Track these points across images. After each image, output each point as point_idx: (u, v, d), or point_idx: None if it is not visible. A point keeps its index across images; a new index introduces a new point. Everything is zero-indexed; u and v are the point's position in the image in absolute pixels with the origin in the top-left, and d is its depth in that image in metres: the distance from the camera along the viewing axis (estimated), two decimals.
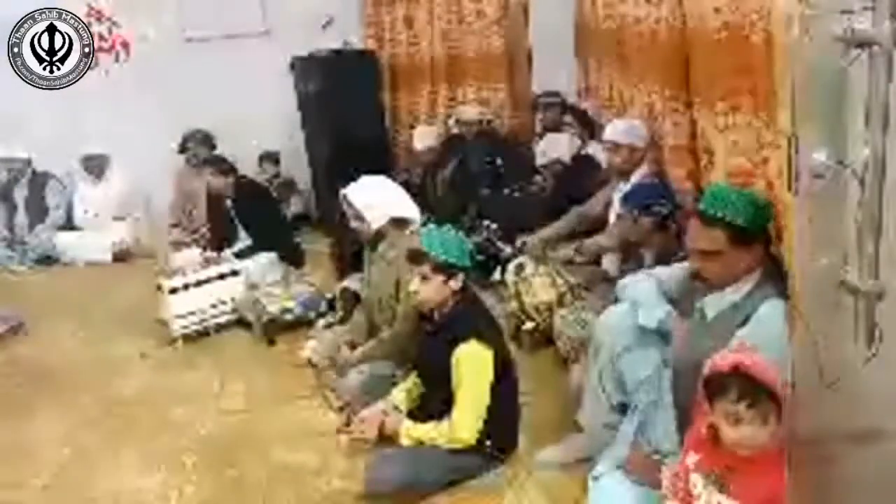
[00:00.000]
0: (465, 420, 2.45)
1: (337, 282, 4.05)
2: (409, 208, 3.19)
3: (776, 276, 2.02)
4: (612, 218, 3.55)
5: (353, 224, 3.22)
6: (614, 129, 3.53)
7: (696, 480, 1.76)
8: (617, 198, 3.48)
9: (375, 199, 3.16)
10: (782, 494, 1.65)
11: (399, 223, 3.14)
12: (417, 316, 2.72)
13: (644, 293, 2.39)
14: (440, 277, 2.49)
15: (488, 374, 2.45)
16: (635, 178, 3.43)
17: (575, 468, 2.50)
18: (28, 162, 5.60)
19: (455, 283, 2.51)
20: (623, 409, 2.41)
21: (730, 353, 1.73)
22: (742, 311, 2.03)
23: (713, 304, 2.11)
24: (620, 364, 2.38)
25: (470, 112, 5.13)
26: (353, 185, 3.23)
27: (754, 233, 2.03)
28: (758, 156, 2.54)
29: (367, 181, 3.26)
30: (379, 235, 3.16)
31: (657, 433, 2.21)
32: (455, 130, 5.25)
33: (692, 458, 1.79)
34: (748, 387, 1.64)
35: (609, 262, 3.52)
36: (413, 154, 5.28)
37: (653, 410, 2.25)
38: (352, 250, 4.53)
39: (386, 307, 3.12)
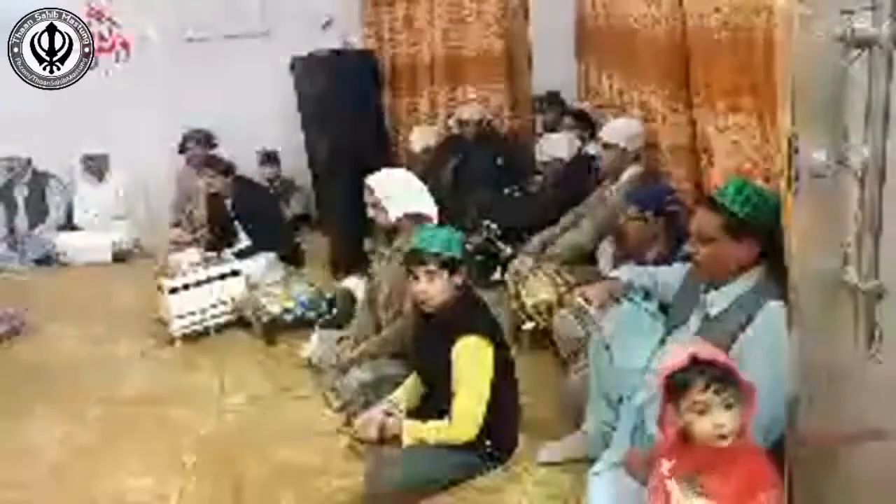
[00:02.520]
0: (466, 412, 2.44)
1: (336, 281, 4.05)
2: (428, 205, 3.19)
3: (779, 276, 2.03)
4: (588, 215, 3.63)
5: (371, 213, 3.23)
6: (609, 129, 3.55)
7: (672, 487, 1.77)
8: (608, 196, 3.49)
9: (398, 190, 3.19)
10: (757, 481, 1.66)
11: (417, 219, 3.13)
12: (417, 314, 2.72)
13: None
14: (445, 274, 2.50)
15: (488, 369, 2.46)
16: (625, 177, 3.44)
17: (575, 466, 2.50)
18: (28, 162, 5.61)
19: (459, 278, 2.52)
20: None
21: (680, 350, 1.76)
22: (745, 307, 2.04)
23: (716, 300, 2.12)
24: (613, 349, 2.39)
25: (470, 112, 5.13)
26: (378, 174, 3.27)
27: (750, 227, 2.04)
28: (758, 155, 2.54)
29: (392, 172, 3.34)
30: (395, 230, 3.17)
31: (656, 430, 2.20)
32: (455, 130, 5.25)
33: (666, 466, 1.80)
34: (711, 374, 1.67)
35: (604, 264, 3.53)
36: (412, 154, 5.27)
37: (651, 407, 2.24)
38: (348, 252, 4.56)
39: (393, 304, 3.11)
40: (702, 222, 2.12)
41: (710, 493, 1.70)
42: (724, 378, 1.67)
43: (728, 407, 1.67)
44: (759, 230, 2.04)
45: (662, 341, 2.36)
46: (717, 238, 2.07)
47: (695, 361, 1.70)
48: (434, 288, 2.50)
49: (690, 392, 1.69)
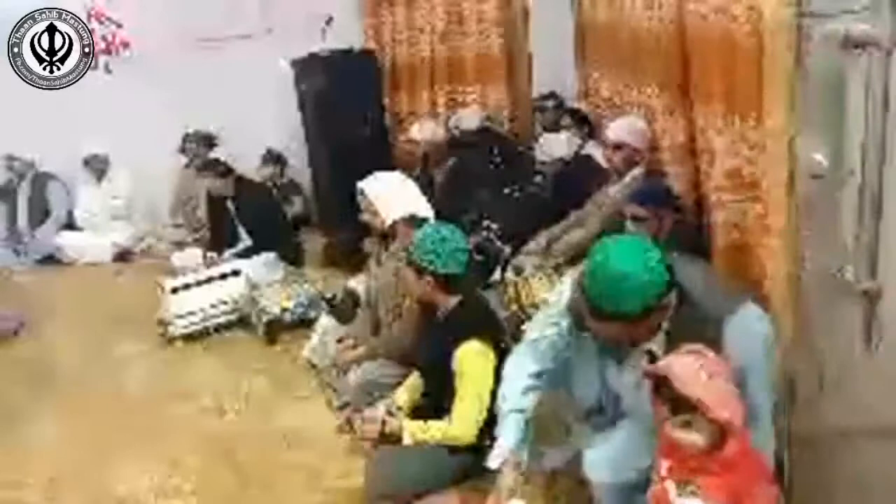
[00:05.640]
0: (466, 418, 2.44)
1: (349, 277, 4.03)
2: (423, 207, 3.16)
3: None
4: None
5: (366, 218, 3.19)
6: (618, 129, 3.52)
7: (670, 487, 1.76)
8: (612, 196, 3.48)
9: (391, 194, 3.14)
10: (752, 480, 1.65)
11: (412, 222, 3.10)
12: (420, 314, 2.72)
13: None
14: (411, 272, 2.54)
15: (489, 374, 2.45)
16: (628, 178, 3.44)
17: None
18: (31, 163, 5.61)
19: (426, 281, 2.51)
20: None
21: (683, 353, 1.73)
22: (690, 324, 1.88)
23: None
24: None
25: (471, 119, 5.11)
26: (370, 178, 3.20)
27: (652, 306, 1.83)
28: (754, 156, 2.54)
29: (385, 176, 3.25)
30: (391, 233, 3.15)
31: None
32: (456, 133, 5.24)
33: (665, 465, 1.80)
34: (669, 394, 1.69)
35: None
36: (412, 149, 5.22)
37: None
38: (348, 253, 4.56)
39: (392, 306, 3.11)
40: (604, 333, 1.94)
41: (704, 494, 1.69)
42: (679, 401, 1.67)
43: (682, 426, 1.67)
44: (663, 299, 1.84)
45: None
46: (629, 331, 1.89)
47: (657, 375, 1.72)
48: (406, 281, 2.63)
49: (658, 400, 1.72)
